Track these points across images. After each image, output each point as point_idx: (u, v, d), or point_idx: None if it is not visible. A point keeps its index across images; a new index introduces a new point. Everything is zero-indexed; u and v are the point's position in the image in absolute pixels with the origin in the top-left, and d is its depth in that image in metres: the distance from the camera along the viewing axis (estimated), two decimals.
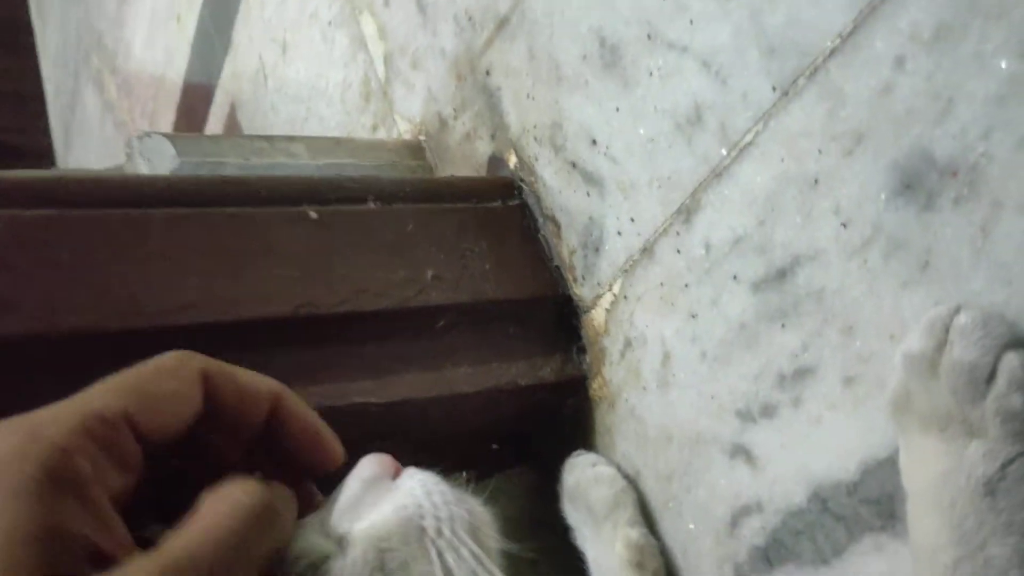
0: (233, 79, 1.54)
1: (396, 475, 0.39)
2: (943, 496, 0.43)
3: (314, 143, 0.95)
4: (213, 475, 0.31)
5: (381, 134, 1.05)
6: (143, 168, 0.79)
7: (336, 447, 0.36)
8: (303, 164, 0.87)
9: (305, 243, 0.68)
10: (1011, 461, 0.42)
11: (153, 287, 0.62)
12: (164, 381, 0.30)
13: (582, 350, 0.75)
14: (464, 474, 0.76)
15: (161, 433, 0.30)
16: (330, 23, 1.16)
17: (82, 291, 0.60)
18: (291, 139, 0.91)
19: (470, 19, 0.87)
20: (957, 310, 0.45)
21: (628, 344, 0.70)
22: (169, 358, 0.31)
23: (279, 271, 0.66)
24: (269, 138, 0.90)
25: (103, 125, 2.62)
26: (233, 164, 0.84)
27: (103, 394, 0.29)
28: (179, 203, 0.66)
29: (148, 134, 0.79)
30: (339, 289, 0.67)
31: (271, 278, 0.66)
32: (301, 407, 0.34)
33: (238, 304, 0.64)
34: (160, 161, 0.80)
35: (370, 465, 0.38)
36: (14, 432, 0.26)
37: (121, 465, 0.28)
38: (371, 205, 0.73)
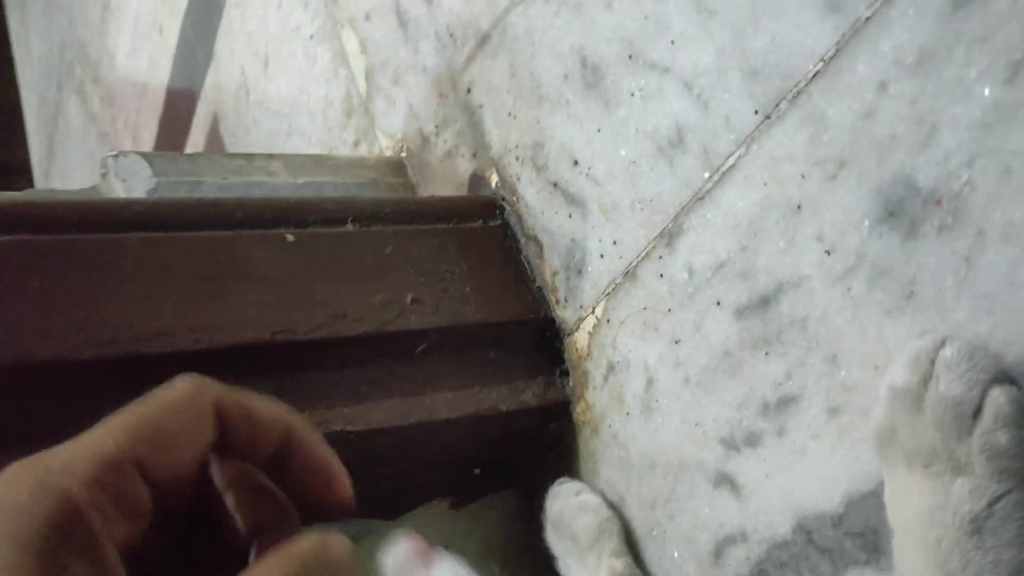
0: (215, 91, 1.53)
1: (426, 556, 0.37)
2: (929, 533, 0.42)
3: (293, 161, 0.94)
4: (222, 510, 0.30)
5: (363, 150, 1.04)
6: (118, 188, 0.78)
7: (344, 481, 0.32)
8: (282, 182, 0.86)
9: (282, 267, 0.67)
10: (998, 499, 0.41)
11: (127, 314, 0.61)
12: (176, 418, 0.28)
13: (565, 374, 0.74)
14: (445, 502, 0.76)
15: (173, 473, 0.28)
16: (311, 38, 1.15)
17: (54, 319, 0.59)
18: (270, 157, 0.90)
19: (451, 35, 0.86)
20: (942, 342, 0.44)
21: (611, 368, 0.69)
22: (181, 390, 0.29)
23: (256, 296, 0.65)
24: (248, 156, 0.89)
25: (86, 136, 2.60)
26: (211, 183, 0.83)
27: (114, 435, 0.27)
28: (153, 227, 0.65)
29: (123, 153, 0.78)
30: (317, 314, 0.66)
31: (248, 303, 0.65)
32: (313, 438, 0.32)
33: (214, 330, 0.63)
34: (136, 181, 0.79)
35: (402, 549, 0.37)
36: (24, 479, 0.25)
37: (131, 514, 0.27)
38: (350, 227, 0.72)
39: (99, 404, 0.59)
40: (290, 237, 0.68)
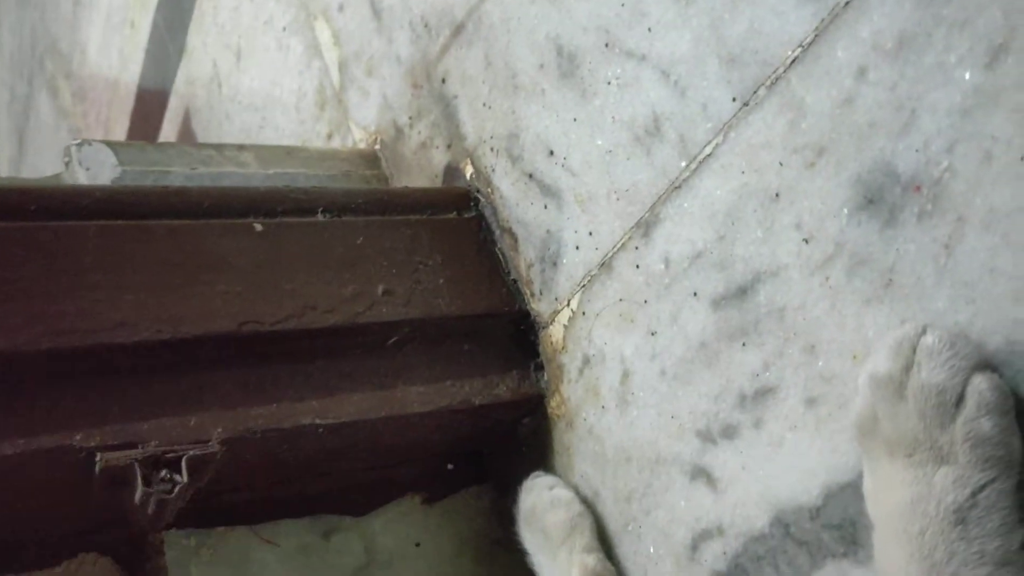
0: (187, 85, 1.51)
1: None
2: (912, 524, 0.41)
3: (264, 152, 0.92)
4: None
5: (336, 142, 1.02)
6: (82, 177, 0.76)
7: None
8: (252, 173, 0.84)
9: (250, 257, 0.66)
10: (982, 488, 0.40)
11: (86, 304, 0.59)
12: None
13: (540, 367, 0.73)
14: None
15: None
16: (284, 29, 1.13)
17: (9, 308, 0.57)
18: (241, 147, 0.88)
19: (426, 25, 0.84)
20: (923, 330, 0.44)
21: (587, 361, 0.68)
22: None
23: (222, 287, 0.63)
24: (218, 146, 0.87)
25: (58, 131, 2.56)
26: (179, 173, 0.81)
27: None
28: (115, 215, 0.63)
29: (88, 141, 0.76)
30: (285, 305, 0.64)
31: (213, 294, 0.63)
32: None
33: (178, 321, 0.61)
34: (100, 170, 0.77)
35: None
36: None
37: None
38: (320, 217, 0.70)
39: (57, 395, 0.57)
40: (258, 227, 0.67)
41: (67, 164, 0.77)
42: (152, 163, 0.80)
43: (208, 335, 0.61)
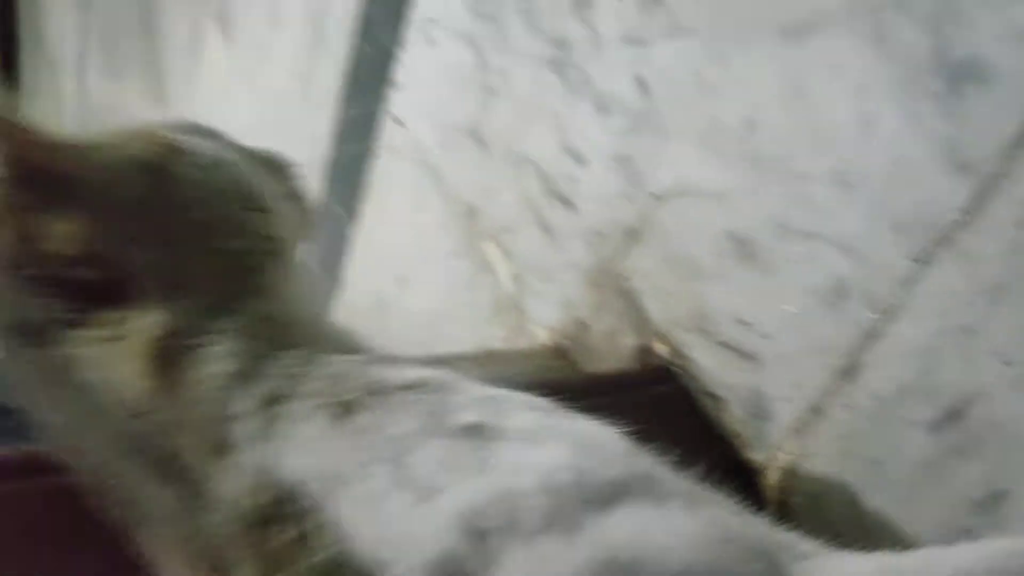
0: (348, 314, 1.68)
1: None
2: None
3: (458, 363, 1.05)
4: None
5: (517, 345, 1.16)
6: None
7: None
8: None
9: None
10: None
11: None
12: None
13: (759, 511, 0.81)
14: None
15: None
16: (450, 254, 1.30)
17: None
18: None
19: (599, 234, 0.99)
20: None
21: (814, 500, 0.77)
22: None
23: None
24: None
25: None
26: None
27: None
28: None
29: None
30: None
31: None
32: None
33: None
34: None
35: None
36: None
37: None
38: None
39: None
40: None
41: None
42: None
43: None
